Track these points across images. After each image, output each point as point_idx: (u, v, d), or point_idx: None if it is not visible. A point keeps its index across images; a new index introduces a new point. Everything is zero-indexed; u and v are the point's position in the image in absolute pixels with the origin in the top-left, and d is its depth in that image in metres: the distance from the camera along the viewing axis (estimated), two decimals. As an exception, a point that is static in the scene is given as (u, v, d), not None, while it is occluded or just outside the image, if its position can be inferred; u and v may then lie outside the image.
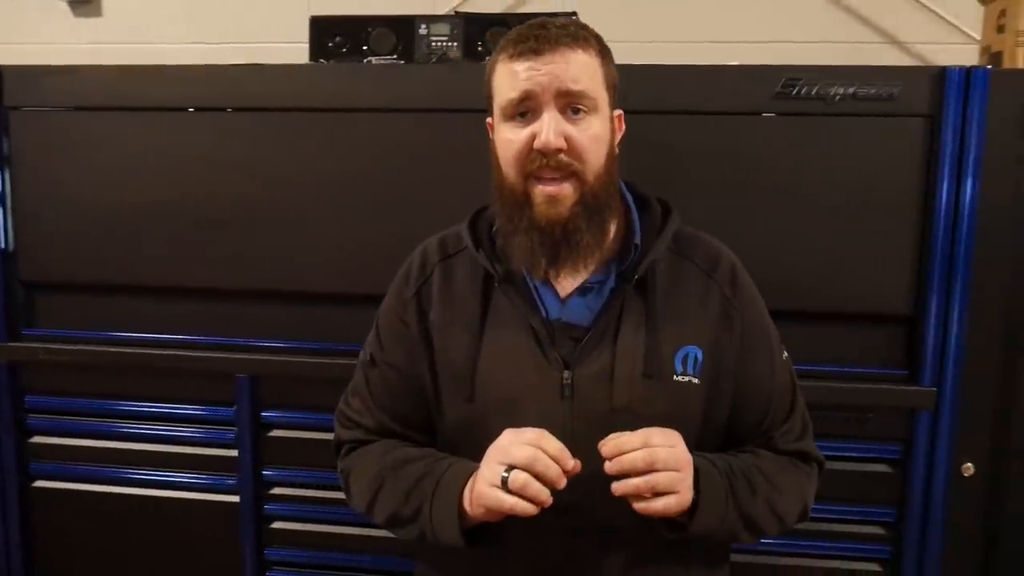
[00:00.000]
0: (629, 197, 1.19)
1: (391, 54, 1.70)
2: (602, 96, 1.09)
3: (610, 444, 1.02)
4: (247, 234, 1.75)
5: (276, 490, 1.85)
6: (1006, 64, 1.70)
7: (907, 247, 1.62)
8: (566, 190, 1.08)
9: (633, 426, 1.07)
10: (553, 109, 1.06)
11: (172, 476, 1.88)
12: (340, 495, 1.76)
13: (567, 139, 1.06)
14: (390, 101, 1.66)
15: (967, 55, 2.13)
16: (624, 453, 1.01)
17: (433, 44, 1.71)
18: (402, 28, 1.71)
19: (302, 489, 1.84)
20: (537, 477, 1.00)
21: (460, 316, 1.16)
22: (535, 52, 1.06)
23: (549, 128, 1.05)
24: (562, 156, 1.06)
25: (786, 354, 1.25)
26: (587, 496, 1.07)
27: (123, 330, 1.85)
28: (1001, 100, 1.55)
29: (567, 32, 1.07)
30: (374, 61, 1.70)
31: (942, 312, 1.61)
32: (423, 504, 1.11)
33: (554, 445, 1.01)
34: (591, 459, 1.06)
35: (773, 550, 1.69)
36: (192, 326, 1.83)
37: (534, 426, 1.08)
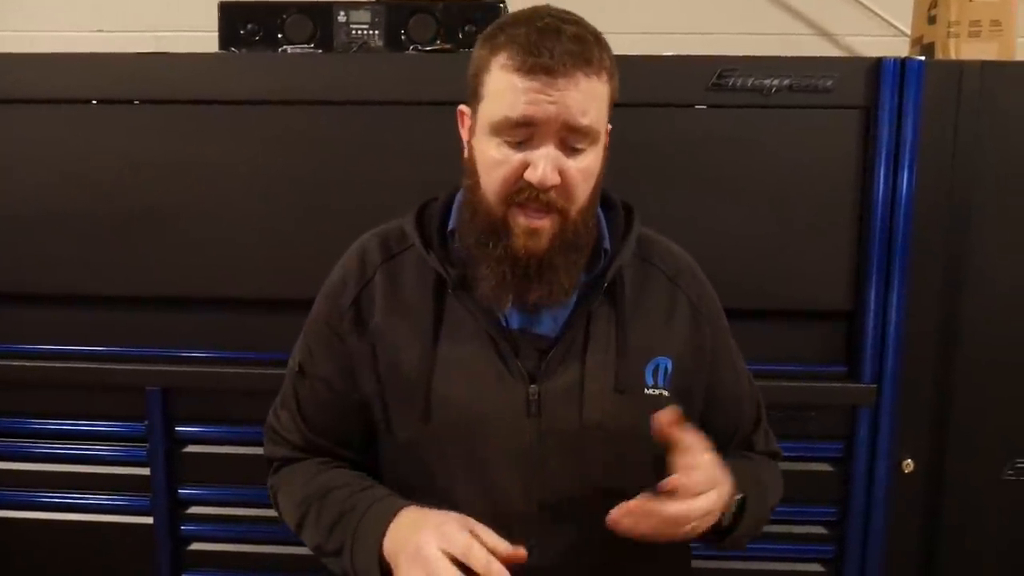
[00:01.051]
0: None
1: (308, 43, 1.60)
2: (603, 125, 1.00)
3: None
4: (157, 237, 1.64)
5: (193, 509, 1.74)
6: (938, 55, 1.68)
7: (845, 241, 1.59)
8: (547, 224, 0.98)
9: (603, 443, 1.02)
10: (552, 142, 0.95)
11: (81, 498, 1.75)
12: (261, 512, 1.70)
13: (561, 172, 0.96)
14: (308, 93, 1.57)
15: (897, 47, 2.12)
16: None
17: (353, 32, 1.61)
18: (319, 15, 1.61)
19: (220, 507, 1.73)
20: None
21: (409, 325, 1.05)
22: (547, 73, 0.93)
23: (547, 164, 0.94)
24: (552, 192, 0.96)
25: (742, 360, 1.21)
26: (556, 528, 1.02)
27: (24, 342, 1.72)
28: (935, 91, 1.54)
29: (582, 53, 0.94)
30: (289, 50, 1.60)
31: (881, 306, 1.59)
32: (344, 544, 1.01)
33: (487, 543, 0.89)
34: (561, 481, 1.01)
35: (715, 555, 1.65)
36: (99, 336, 1.71)
37: (498, 447, 1.02)
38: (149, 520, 1.73)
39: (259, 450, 1.66)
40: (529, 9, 0.99)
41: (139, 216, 1.63)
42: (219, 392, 1.67)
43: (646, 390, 1.05)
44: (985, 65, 1.54)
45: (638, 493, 0.95)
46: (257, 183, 1.61)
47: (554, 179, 0.95)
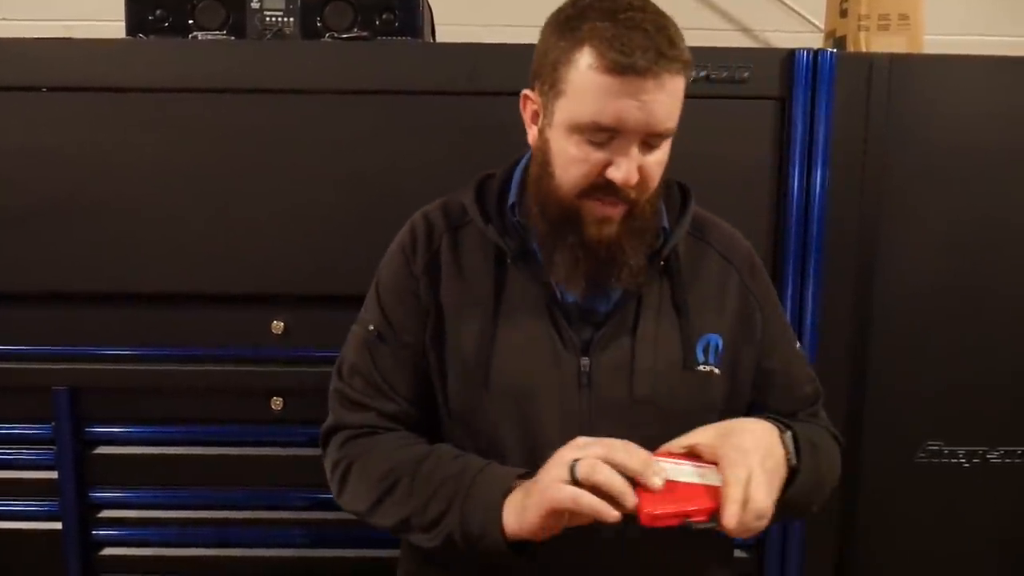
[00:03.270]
0: None
1: (219, 30, 1.56)
2: (678, 119, 1.01)
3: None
4: (61, 229, 1.57)
5: (104, 513, 1.68)
6: (850, 48, 1.72)
7: (762, 232, 1.61)
8: (619, 212, 1.01)
9: (654, 419, 1.04)
10: (636, 143, 0.97)
11: (-17, 504, 1.67)
12: (176, 515, 1.65)
13: (639, 168, 0.98)
14: (219, 81, 1.52)
15: (813, 42, 2.16)
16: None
17: (267, 19, 1.57)
18: (232, 2, 1.57)
19: (133, 511, 1.67)
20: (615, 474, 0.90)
21: (472, 295, 1.08)
22: (638, 74, 0.93)
23: (631, 166, 0.96)
24: (629, 188, 0.98)
25: (799, 344, 1.23)
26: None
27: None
28: (847, 83, 1.57)
29: (668, 51, 0.94)
30: (200, 37, 1.55)
31: (797, 300, 1.62)
32: (452, 504, 0.99)
33: (642, 455, 0.92)
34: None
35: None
36: (1, 335, 1.63)
37: (551, 416, 1.04)
38: (58, 525, 1.67)
39: (174, 450, 1.65)
40: None
41: (43, 208, 1.56)
42: (130, 391, 1.62)
43: (698, 367, 1.08)
44: (894, 58, 1.57)
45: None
46: (167, 173, 1.55)
47: (636, 178, 0.97)
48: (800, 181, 1.58)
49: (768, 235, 1.61)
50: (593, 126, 0.96)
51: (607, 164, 0.97)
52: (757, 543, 1.70)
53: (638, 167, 0.97)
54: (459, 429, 1.10)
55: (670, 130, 0.99)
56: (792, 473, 1.01)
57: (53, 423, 1.63)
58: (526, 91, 1.07)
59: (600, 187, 0.99)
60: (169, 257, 1.57)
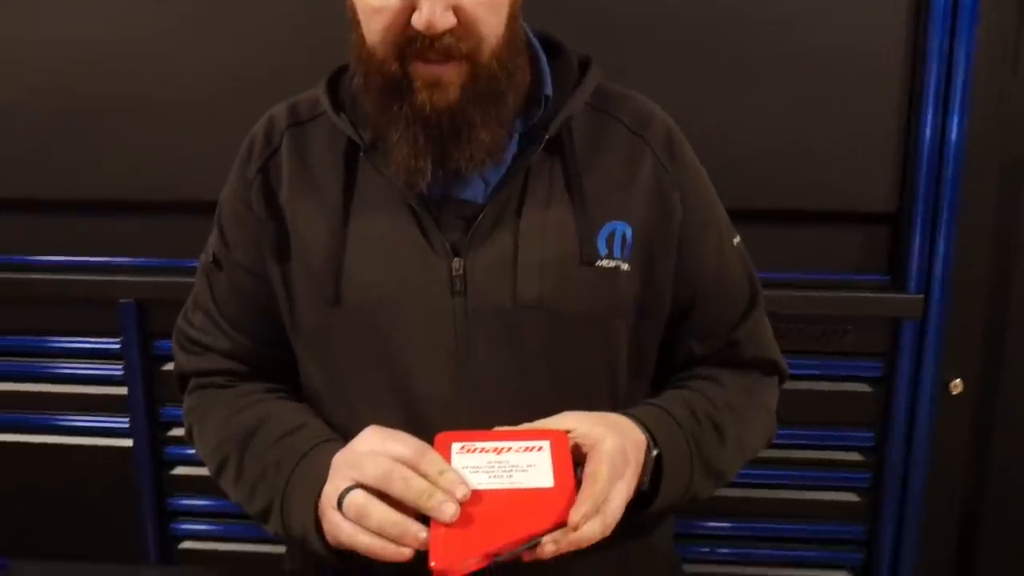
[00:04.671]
0: (536, 42, 0.93)
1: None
2: None
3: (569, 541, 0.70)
4: (127, 134, 1.49)
5: (176, 431, 1.62)
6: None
7: (892, 132, 1.40)
8: (452, 72, 0.81)
9: (543, 329, 0.86)
10: None
11: (55, 419, 1.64)
12: None
13: (456, 10, 0.78)
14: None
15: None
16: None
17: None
18: None
19: (203, 429, 1.60)
20: (399, 504, 0.71)
21: (317, 198, 0.90)
22: None
23: (434, 8, 0.76)
24: (448, 37, 0.78)
25: (738, 239, 1.01)
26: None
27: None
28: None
29: None
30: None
31: (930, 208, 1.41)
32: (272, 504, 0.85)
33: (433, 465, 0.72)
34: (493, 374, 0.86)
35: (739, 482, 1.50)
36: (64, 246, 1.58)
37: (418, 334, 0.86)
38: (129, 443, 1.62)
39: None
40: None
41: (102, 112, 1.48)
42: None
43: (599, 261, 0.88)
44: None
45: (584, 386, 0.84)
46: (245, 74, 1.44)
47: (446, 21, 0.77)
48: (939, 72, 1.35)
49: (897, 135, 1.39)
50: None
51: (412, 9, 0.77)
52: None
53: (456, 9, 0.77)
54: (312, 362, 0.94)
55: None
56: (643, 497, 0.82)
57: (120, 337, 1.57)
58: None
59: (416, 42, 0.79)
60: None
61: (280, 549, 1.05)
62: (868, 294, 1.45)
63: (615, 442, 0.75)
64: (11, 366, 1.63)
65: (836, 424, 1.50)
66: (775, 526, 1.55)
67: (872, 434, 1.50)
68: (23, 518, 1.68)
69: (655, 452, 0.81)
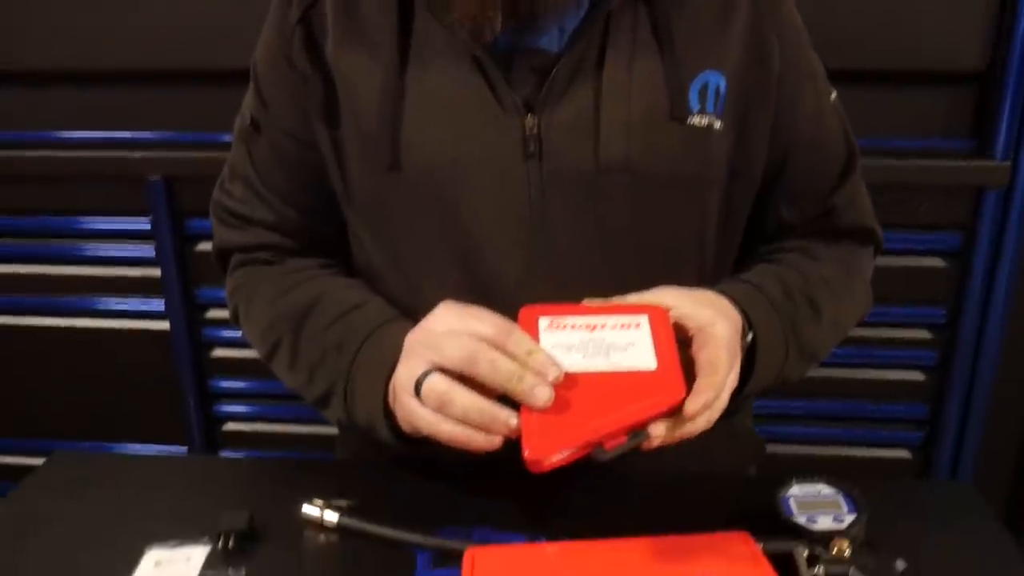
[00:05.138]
0: None
1: None
2: None
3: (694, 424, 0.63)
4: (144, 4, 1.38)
5: (212, 313, 1.57)
6: None
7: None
8: None
9: (628, 194, 0.76)
10: None
11: (89, 301, 1.60)
12: None
13: None
14: None
15: None
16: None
17: None
18: None
19: (241, 311, 1.56)
20: (482, 389, 0.63)
21: (368, 49, 0.78)
22: None
23: None
24: None
25: (835, 95, 0.88)
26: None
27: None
28: None
29: None
30: None
31: (1021, 66, 1.28)
32: (335, 389, 0.78)
33: (521, 344, 0.64)
34: (571, 246, 0.76)
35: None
36: (90, 120, 1.49)
37: (487, 202, 0.77)
38: (166, 325, 1.58)
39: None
40: None
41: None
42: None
43: (690, 118, 0.77)
44: None
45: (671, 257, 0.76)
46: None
47: None
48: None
49: None
50: None
51: None
52: (938, 366, 1.46)
53: None
54: (367, 236, 0.84)
55: None
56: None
57: (151, 216, 1.50)
58: None
59: None
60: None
61: (331, 429, 0.99)
62: (950, 161, 1.34)
63: (728, 327, 0.67)
64: (40, 248, 1.58)
65: (906, 301, 1.42)
66: (836, 405, 1.49)
67: (944, 311, 1.42)
68: (65, 404, 1.67)
69: (750, 336, 0.74)
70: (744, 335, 0.72)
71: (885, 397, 1.48)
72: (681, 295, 0.68)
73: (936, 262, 1.40)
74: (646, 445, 0.61)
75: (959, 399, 1.45)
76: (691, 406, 0.61)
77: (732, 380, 0.66)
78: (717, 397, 0.62)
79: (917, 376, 1.47)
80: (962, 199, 1.36)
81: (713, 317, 0.66)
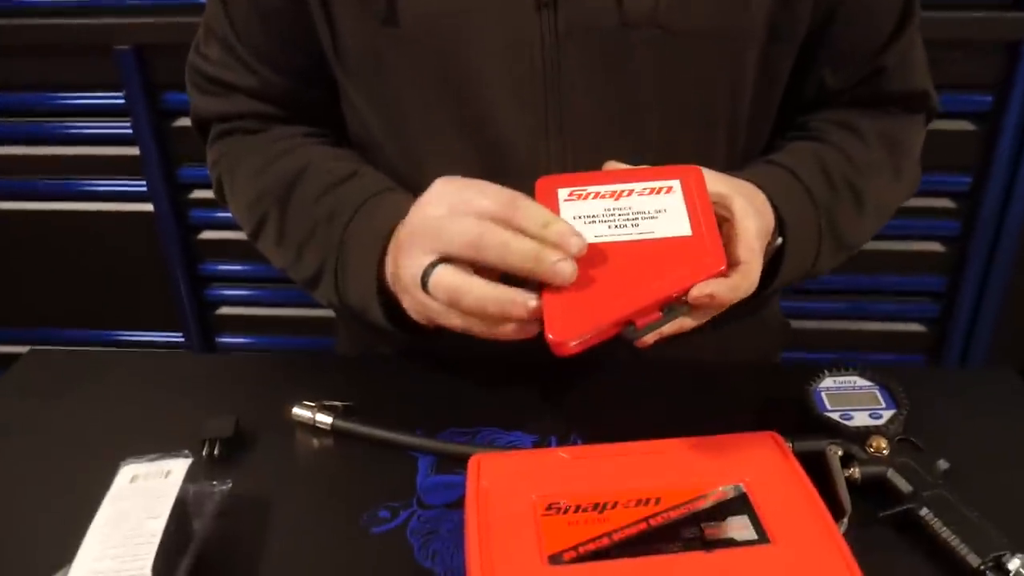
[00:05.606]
0: None
1: None
2: None
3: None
4: None
5: (198, 193, 1.50)
6: None
7: None
8: None
9: (655, 55, 0.66)
10: None
11: (68, 183, 1.52)
12: None
13: None
14: None
15: None
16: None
17: None
18: None
19: (227, 191, 1.48)
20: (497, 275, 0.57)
21: None
22: None
23: None
24: None
25: None
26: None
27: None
28: None
29: None
30: None
31: None
32: (325, 267, 0.70)
33: (531, 217, 0.56)
34: (590, 110, 0.68)
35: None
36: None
37: (495, 60, 0.67)
38: (149, 207, 1.50)
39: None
40: None
41: None
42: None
43: None
44: None
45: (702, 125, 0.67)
46: None
47: None
48: None
49: None
50: None
51: None
52: (959, 237, 1.39)
53: None
54: (362, 100, 0.75)
55: None
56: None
57: (123, 90, 1.40)
58: None
59: None
60: None
61: (327, 313, 0.93)
62: (982, 13, 1.23)
63: (760, 226, 0.59)
64: (9, 127, 1.49)
65: (929, 167, 1.34)
66: (849, 278, 1.44)
67: (969, 179, 1.35)
68: (54, 292, 1.61)
69: (778, 241, 0.67)
70: (773, 239, 0.65)
71: (902, 269, 1.43)
72: (715, 177, 0.61)
73: (964, 124, 1.32)
74: (677, 328, 0.54)
75: (977, 271, 1.40)
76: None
77: (753, 282, 0.59)
78: (736, 300, 0.56)
79: (936, 247, 1.41)
80: (996, 56, 1.26)
81: (745, 209, 0.58)
